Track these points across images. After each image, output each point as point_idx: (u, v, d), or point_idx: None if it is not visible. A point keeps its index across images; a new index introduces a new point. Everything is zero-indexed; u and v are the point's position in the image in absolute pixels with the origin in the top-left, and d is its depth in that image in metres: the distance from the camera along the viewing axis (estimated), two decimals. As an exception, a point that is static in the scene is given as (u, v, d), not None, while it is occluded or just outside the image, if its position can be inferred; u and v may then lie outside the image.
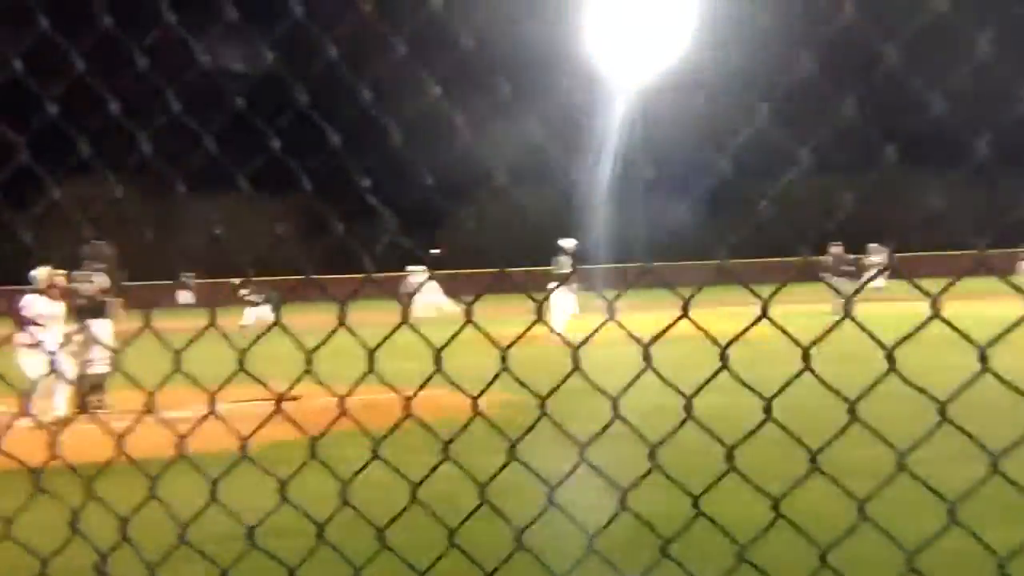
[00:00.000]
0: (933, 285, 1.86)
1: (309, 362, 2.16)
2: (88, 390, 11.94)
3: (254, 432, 2.25)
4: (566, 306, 19.06)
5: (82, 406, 11.80)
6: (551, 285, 18.36)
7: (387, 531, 2.26)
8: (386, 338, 2.07)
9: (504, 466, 2.19)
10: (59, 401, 11.27)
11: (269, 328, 2.25)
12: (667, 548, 2.15)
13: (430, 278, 23.68)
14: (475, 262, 30.06)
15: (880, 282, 29.71)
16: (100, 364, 12.05)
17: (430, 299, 26.74)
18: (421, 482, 2.27)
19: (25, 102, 2.31)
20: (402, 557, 2.27)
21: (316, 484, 2.29)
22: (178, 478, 2.30)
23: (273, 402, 2.27)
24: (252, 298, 25.12)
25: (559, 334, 2.51)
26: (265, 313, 24.12)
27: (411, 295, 2.80)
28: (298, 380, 2.14)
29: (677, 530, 2.17)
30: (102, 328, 12.20)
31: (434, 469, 2.25)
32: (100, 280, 12.39)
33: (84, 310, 12.21)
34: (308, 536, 2.31)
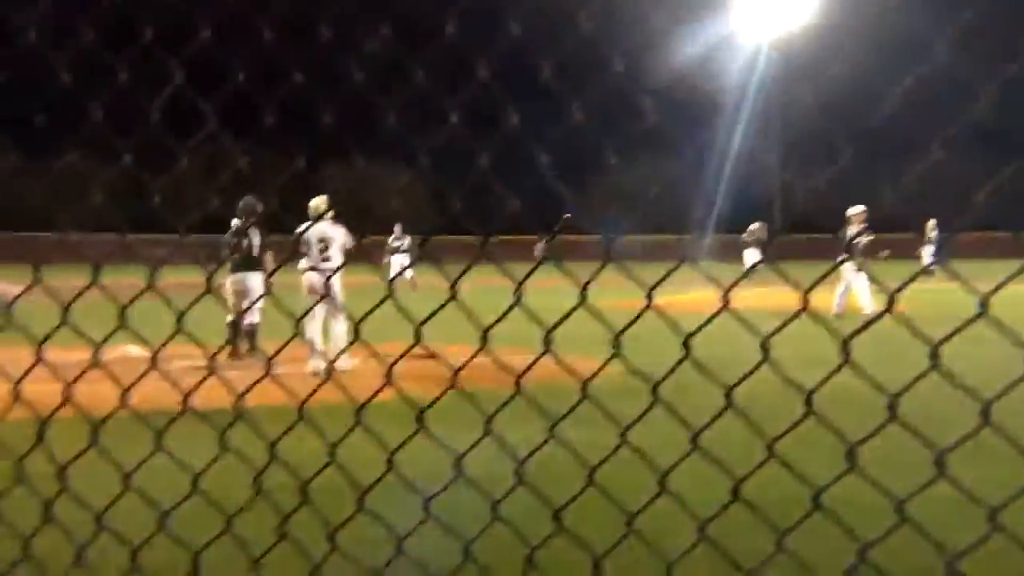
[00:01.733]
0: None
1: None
2: (243, 339, 12.63)
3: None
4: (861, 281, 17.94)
5: (234, 354, 12.43)
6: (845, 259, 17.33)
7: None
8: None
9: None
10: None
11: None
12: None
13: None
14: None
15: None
16: (253, 314, 12.64)
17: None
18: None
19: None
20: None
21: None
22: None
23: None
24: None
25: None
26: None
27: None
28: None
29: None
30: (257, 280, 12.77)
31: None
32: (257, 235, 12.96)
33: (241, 263, 12.83)
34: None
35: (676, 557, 2.16)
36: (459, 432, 2.19)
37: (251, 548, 2.40)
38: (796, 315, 1.92)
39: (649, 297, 2.01)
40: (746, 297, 1.92)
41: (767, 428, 1.97)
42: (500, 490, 2.30)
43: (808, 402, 1.86)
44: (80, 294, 2.33)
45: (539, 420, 2.17)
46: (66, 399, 2.41)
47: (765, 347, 1.92)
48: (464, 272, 2.17)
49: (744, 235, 32.70)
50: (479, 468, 2.42)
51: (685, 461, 2.08)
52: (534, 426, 2.25)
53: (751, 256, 32.31)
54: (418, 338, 2.19)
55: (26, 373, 2.42)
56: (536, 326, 2.03)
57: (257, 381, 2.39)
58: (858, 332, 1.87)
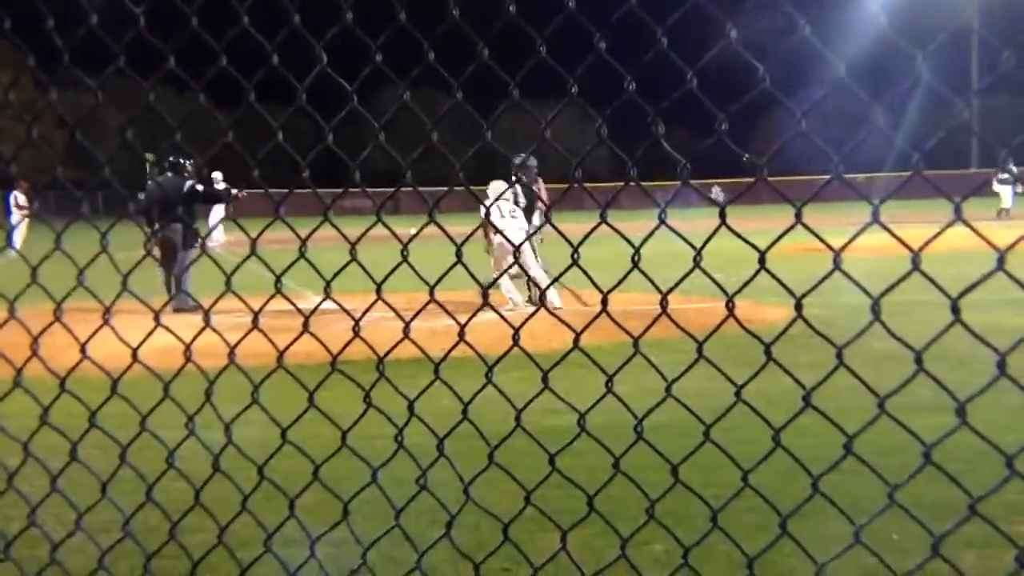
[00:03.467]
0: None
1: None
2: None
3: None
4: None
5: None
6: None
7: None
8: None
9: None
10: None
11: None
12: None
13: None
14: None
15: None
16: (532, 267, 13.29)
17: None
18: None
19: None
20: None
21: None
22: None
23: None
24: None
25: None
26: None
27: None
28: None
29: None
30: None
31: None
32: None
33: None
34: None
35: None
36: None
37: (393, 499, 2.49)
38: None
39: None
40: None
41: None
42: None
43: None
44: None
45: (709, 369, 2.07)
46: (230, 357, 2.55)
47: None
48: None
49: (1003, 173, 32.24)
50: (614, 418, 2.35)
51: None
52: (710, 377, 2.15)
53: (1007, 192, 32.94)
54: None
55: (200, 331, 2.58)
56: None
57: (400, 341, 2.43)
58: None
